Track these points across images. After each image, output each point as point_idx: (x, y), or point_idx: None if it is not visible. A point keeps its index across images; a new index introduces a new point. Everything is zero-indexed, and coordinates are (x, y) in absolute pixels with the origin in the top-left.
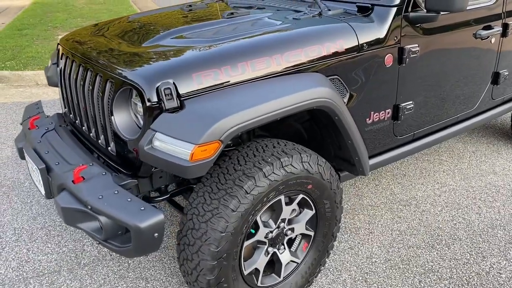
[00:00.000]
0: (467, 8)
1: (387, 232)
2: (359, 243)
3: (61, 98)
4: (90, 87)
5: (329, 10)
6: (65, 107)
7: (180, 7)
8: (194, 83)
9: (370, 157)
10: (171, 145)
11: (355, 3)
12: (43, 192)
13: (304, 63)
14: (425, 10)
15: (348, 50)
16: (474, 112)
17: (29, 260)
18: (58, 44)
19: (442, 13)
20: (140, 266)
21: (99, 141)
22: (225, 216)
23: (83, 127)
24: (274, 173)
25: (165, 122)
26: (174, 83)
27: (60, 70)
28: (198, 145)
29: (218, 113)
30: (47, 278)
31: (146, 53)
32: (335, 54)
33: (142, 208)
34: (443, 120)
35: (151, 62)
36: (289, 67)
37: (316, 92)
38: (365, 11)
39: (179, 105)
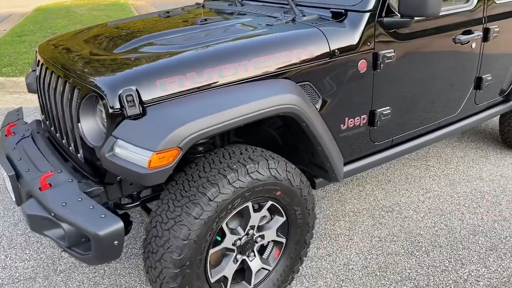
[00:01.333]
0: (446, 13)
1: (366, 239)
2: (337, 249)
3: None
4: (60, 94)
5: (304, 16)
6: (42, 114)
7: (158, 13)
8: (158, 89)
9: (347, 163)
10: (130, 152)
11: (329, 9)
12: (13, 198)
13: (273, 69)
14: (399, 15)
15: (319, 57)
16: (456, 117)
17: (5, 266)
18: (36, 51)
19: (417, 18)
20: (115, 273)
21: (70, 148)
22: (187, 224)
23: (57, 134)
24: (239, 180)
25: (126, 129)
26: (137, 89)
27: (37, 77)
28: (156, 152)
29: (177, 120)
30: (22, 285)
31: (113, 60)
32: (306, 60)
33: (103, 216)
34: (424, 125)
35: (116, 69)
36: (257, 73)
37: (281, 98)
38: (338, 16)
39: (141, 112)
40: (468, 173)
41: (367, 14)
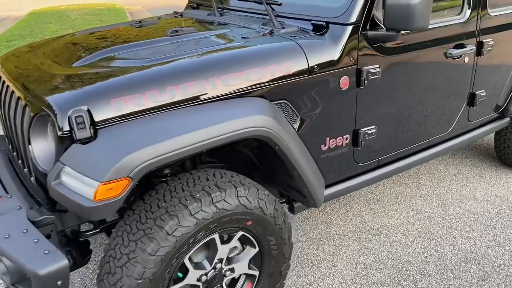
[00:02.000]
0: (436, 26)
1: (351, 266)
2: (319, 278)
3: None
4: (14, 111)
5: (283, 28)
6: (4, 130)
7: (130, 23)
8: (112, 110)
9: (329, 185)
10: (77, 182)
11: (311, 20)
12: None
13: (245, 87)
14: (385, 29)
15: (297, 73)
16: (448, 135)
17: None
18: None
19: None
20: None
21: (25, 170)
22: (141, 261)
23: (14, 153)
24: (203, 211)
25: (74, 155)
26: (88, 110)
27: None
28: (102, 183)
29: (128, 146)
30: None
31: (68, 76)
32: (282, 77)
33: (46, 252)
34: (413, 145)
35: (68, 87)
36: (227, 91)
37: (250, 120)
38: (320, 29)
39: (92, 135)
40: (461, 193)
41: (350, 27)
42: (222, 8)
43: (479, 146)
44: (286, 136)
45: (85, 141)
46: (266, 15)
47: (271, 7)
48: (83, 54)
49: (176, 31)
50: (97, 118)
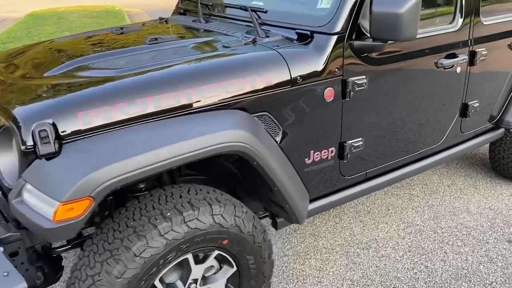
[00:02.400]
0: (427, 35)
1: (337, 282)
2: None
3: None
4: None
5: (268, 36)
6: None
7: (111, 29)
8: (80, 123)
9: (314, 199)
10: (37, 200)
11: (295, 29)
12: None
13: (223, 98)
14: (371, 39)
15: (279, 84)
16: (440, 147)
17: None
18: None
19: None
20: None
21: None
22: (107, 284)
23: None
24: (173, 231)
25: (37, 171)
26: (54, 123)
27: None
28: (62, 202)
29: (91, 163)
30: None
31: (37, 87)
32: (263, 88)
33: (5, 274)
34: (402, 157)
35: (34, 98)
36: (204, 104)
37: (225, 135)
38: (304, 39)
39: (56, 150)
40: (454, 205)
41: (334, 37)
42: (209, 14)
43: (474, 156)
44: (265, 151)
45: (50, 157)
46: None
47: (257, 14)
48: (56, 63)
49: (155, 39)
50: (63, 132)
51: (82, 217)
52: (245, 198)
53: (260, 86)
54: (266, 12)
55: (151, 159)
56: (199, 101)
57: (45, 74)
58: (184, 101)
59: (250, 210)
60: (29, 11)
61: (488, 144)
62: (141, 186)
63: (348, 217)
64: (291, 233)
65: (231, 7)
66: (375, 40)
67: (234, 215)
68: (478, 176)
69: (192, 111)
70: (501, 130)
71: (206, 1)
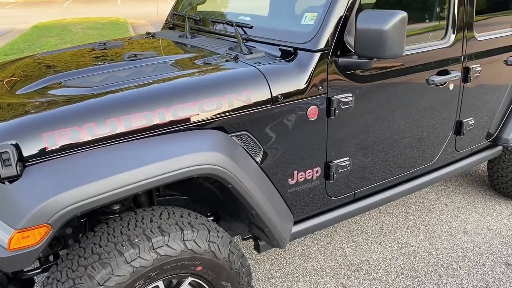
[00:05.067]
0: (417, 51)
1: None
2: None
3: None
4: None
5: (251, 53)
6: None
7: (93, 45)
8: (45, 144)
9: (300, 221)
10: None
11: (279, 45)
12: None
13: (198, 118)
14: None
15: (259, 103)
16: (434, 166)
17: None
18: None
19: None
20: None
21: None
22: None
23: None
24: (141, 258)
25: None
26: (17, 145)
27: None
28: (17, 230)
29: (50, 188)
30: None
31: (6, 105)
32: (242, 107)
33: None
34: (393, 176)
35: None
36: (178, 123)
37: (197, 158)
38: (288, 55)
39: (19, 173)
40: (451, 225)
41: (318, 54)
42: (198, 29)
43: (474, 174)
44: (240, 173)
45: (11, 180)
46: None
47: (243, 30)
48: (30, 80)
49: (135, 55)
50: (27, 153)
51: (38, 246)
52: (228, 219)
53: (239, 104)
54: (251, 27)
55: (114, 184)
56: (173, 121)
57: (17, 92)
58: (156, 121)
59: (235, 231)
60: (35, 22)
61: (487, 162)
62: (115, 208)
63: (340, 236)
64: (280, 253)
65: (218, 22)
66: (360, 57)
67: (208, 240)
68: (477, 195)
69: (165, 131)
70: (499, 147)
71: (194, 16)
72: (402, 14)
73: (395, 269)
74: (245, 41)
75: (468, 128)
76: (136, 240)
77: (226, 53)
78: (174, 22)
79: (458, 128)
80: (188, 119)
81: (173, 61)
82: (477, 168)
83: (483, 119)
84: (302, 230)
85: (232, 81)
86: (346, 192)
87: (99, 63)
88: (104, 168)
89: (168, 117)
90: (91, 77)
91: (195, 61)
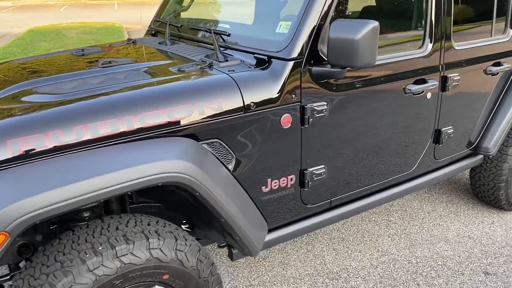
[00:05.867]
0: (393, 60)
1: None
2: None
3: None
4: None
5: (227, 60)
6: None
7: (71, 51)
8: (9, 151)
9: (274, 229)
10: None
11: (255, 54)
12: None
13: (168, 126)
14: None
15: (231, 111)
16: (412, 174)
17: None
18: None
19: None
20: None
21: None
22: None
23: None
24: (104, 266)
25: None
26: None
27: None
28: None
29: (9, 196)
30: None
31: None
32: (213, 115)
33: None
34: (370, 184)
35: None
36: (146, 131)
37: (160, 166)
38: (262, 64)
39: None
40: (432, 233)
41: (291, 63)
42: (179, 36)
43: (458, 182)
44: (208, 181)
45: None
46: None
47: (222, 38)
48: (3, 86)
49: (109, 62)
50: None
51: None
52: (202, 227)
53: (210, 112)
54: (229, 35)
55: (73, 192)
56: (141, 128)
57: None
58: (123, 128)
59: (211, 238)
60: (31, 27)
61: (469, 170)
62: (85, 215)
63: (321, 244)
64: (260, 261)
65: (198, 29)
66: (333, 66)
67: (175, 249)
68: (460, 203)
69: (133, 139)
70: (480, 156)
71: (175, 23)
72: (374, 24)
73: (374, 278)
74: (222, 48)
75: (447, 136)
76: (100, 248)
77: (201, 61)
78: (156, 28)
79: (437, 137)
80: (157, 127)
81: (146, 68)
82: (462, 176)
83: (463, 128)
84: (277, 238)
85: (204, 88)
86: (322, 199)
87: (76, 70)
88: (65, 175)
89: (136, 125)
90: (63, 83)
91: (169, 68)
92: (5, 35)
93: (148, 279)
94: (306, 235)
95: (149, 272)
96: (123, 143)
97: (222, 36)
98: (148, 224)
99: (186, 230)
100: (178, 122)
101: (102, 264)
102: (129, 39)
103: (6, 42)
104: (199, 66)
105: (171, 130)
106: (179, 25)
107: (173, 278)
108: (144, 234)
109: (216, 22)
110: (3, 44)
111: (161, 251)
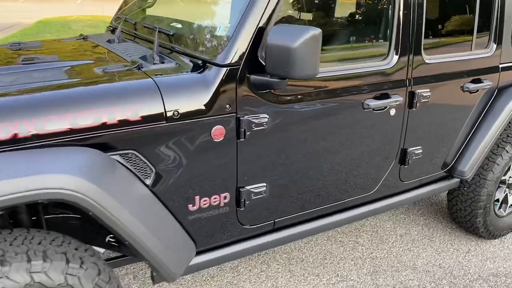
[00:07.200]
0: (349, 72)
1: None
2: None
3: None
4: None
5: (163, 63)
6: None
7: (7, 45)
8: None
9: (205, 251)
10: None
11: (192, 57)
12: None
13: (69, 133)
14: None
15: (148, 119)
16: (373, 196)
17: None
18: None
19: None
20: None
21: None
22: None
23: None
24: None
25: None
26: None
27: None
28: None
29: None
30: None
31: None
32: (127, 123)
33: None
34: (322, 205)
35: None
36: (42, 138)
37: (42, 180)
38: (197, 69)
39: None
40: (401, 259)
41: (224, 70)
42: (135, 36)
43: (440, 203)
44: (106, 199)
45: None
46: (166, 47)
47: (169, 38)
48: None
49: (32, 58)
50: None
51: None
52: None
53: (124, 119)
54: (173, 35)
55: None
56: (36, 135)
57: None
58: (14, 134)
59: (140, 257)
60: (41, 18)
61: (446, 194)
62: None
63: (277, 264)
64: (207, 280)
65: (146, 27)
66: (272, 76)
67: (66, 273)
68: (437, 227)
69: (24, 147)
70: (456, 180)
71: (130, 20)
72: (315, 31)
73: None
74: (167, 50)
75: (414, 157)
76: None
77: (132, 61)
78: (114, 25)
79: (403, 157)
80: (56, 134)
81: (69, 67)
82: (444, 197)
83: (435, 148)
84: (208, 261)
85: (118, 93)
86: (264, 220)
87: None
88: None
89: (31, 131)
90: None
91: (94, 69)
92: (15, 24)
93: None
94: (263, 252)
95: None
96: (13, 150)
97: (169, 36)
98: (39, 243)
99: (112, 245)
100: (82, 130)
101: None
102: (81, 35)
103: (10, 33)
104: (127, 68)
105: (74, 138)
106: (134, 22)
107: None
108: (28, 254)
109: (171, 20)
110: (7, 34)
111: (46, 275)
